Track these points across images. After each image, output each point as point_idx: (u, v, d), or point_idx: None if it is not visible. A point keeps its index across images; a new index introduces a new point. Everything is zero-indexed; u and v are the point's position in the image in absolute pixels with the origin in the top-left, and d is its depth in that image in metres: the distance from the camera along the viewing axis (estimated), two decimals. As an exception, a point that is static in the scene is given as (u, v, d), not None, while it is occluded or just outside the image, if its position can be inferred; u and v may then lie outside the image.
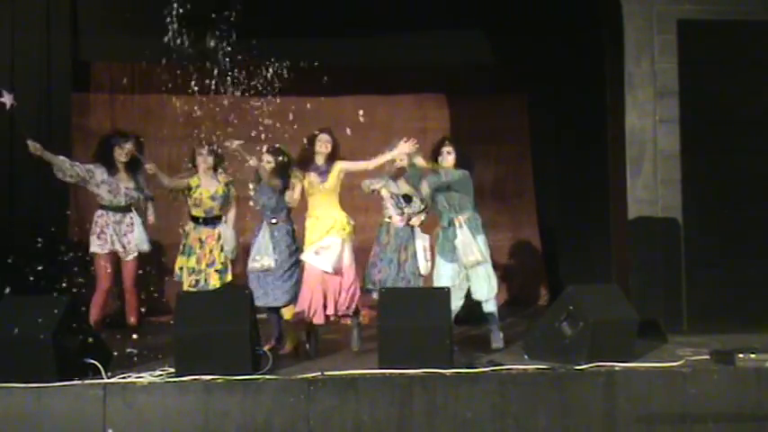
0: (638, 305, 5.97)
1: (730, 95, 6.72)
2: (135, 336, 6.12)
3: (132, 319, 6.28)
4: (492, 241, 9.44)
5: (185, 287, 6.09)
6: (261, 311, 6.18)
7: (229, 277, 6.21)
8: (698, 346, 5.76)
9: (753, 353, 5.18)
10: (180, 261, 6.16)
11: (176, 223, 6.83)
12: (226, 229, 6.25)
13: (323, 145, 5.91)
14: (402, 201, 6.10)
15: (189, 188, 6.21)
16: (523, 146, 9.74)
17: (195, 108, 9.13)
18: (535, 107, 9.63)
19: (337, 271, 5.74)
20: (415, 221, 6.29)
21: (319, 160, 5.94)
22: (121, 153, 6.13)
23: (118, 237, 6.09)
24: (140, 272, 6.35)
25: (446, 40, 8.74)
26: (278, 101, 9.24)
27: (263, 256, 6.07)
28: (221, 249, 6.15)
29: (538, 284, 9.52)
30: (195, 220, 6.23)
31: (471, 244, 5.94)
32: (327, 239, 5.73)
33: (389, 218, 6.24)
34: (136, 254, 6.16)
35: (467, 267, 5.99)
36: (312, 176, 5.91)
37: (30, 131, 7.42)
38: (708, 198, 6.66)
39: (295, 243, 6.18)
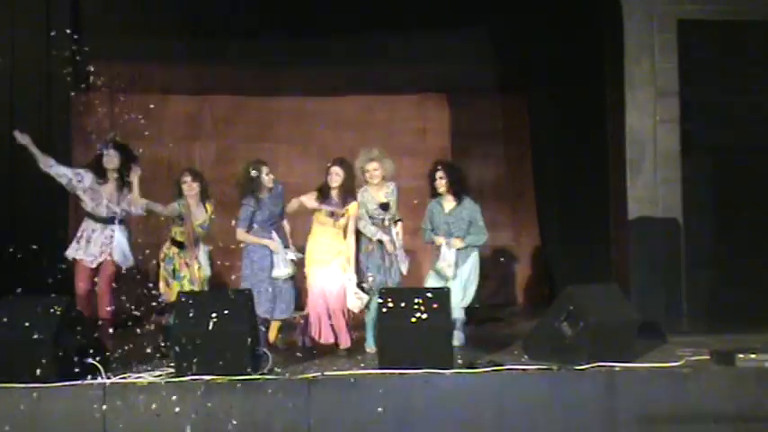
0: (638, 305, 5.98)
1: (730, 95, 6.71)
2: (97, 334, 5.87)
3: (101, 314, 6.01)
4: (492, 241, 9.51)
5: None
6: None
7: None
8: (698, 346, 5.76)
9: (753, 353, 5.19)
10: (176, 286, 6.01)
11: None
12: (203, 256, 6.18)
13: (333, 178, 6.00)
14: (381, 210, 6.10)
15: (180, 217, 6.10)
16: (523, 146, 9.73)
17: (195, 108, 9.18)
18: (535, 107, 9.62)
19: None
20: (395, 230, 6.25)
21: (334, 194, 6.03)
22: (108, 161, 6.04)
23: (89, 245, 6.00)
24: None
25: (446, 40, 8.74)
26: (278, 101, 9.28)
27: (282, 266, 6.05)
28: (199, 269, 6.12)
29: (538, 284, 9.52)
30: (179, 244, 6.13)
31: (450, 265, 6.18)
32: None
33: (378, 241, 6.17)
34: (119, 262, 6.02)
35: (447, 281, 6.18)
36: (326, 211, 6.00)
37: (30, 132, 7.49)
38: (708, 198, 6.66)
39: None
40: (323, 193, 6.03)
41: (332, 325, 5.94)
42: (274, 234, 6.06)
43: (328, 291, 5.95)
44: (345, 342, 5.96)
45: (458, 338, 6.19)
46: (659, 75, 6.69)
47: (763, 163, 6.74)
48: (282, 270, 5.97)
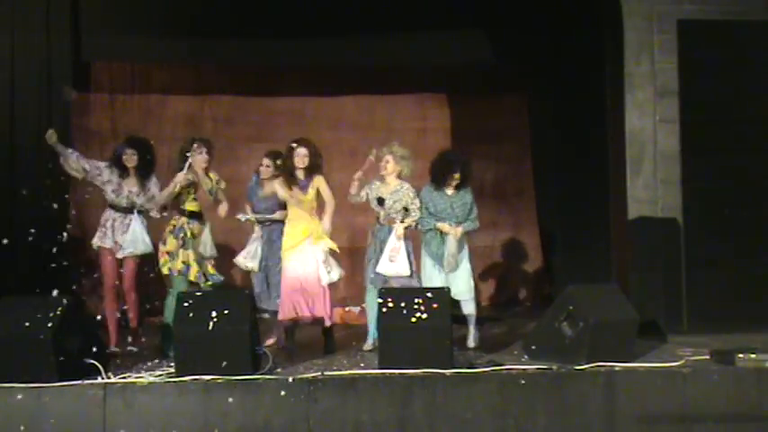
0: (638, 305, 5.97)
1: (730, 95, 6.71)
2: (131, 339, 6.15)
3: (132, 324, 6.29)
4: (492, 241, 9.53)
5: (192, 277, 6.03)
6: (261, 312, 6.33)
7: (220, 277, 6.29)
8: (698, 346, 5.76)
9: (753, 353, 5.18)
10: (183, 255, 6.04)
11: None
12: (208, 232, 6.25)
13: (300, 160, 5.97)
14: (377, 203, 6.12)
15: (191, 184, 6.15)
16: (523, 146, 9.74)
17: (196, 108, 9.19)
18: (535, 107, 9.63)
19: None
20: (399, 227, 6.22)
21: (299, 174, 6.01)
22: (128, 159, 6.21)
23: (114, 234, 6.15)
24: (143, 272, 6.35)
25: (446, 40, 8.74)
26: (278, 101, 9.29)
27: (248, 258, 6.49)
28: (201, 246, 6.18)
29: (538, 284, 9.53)
30: (189, 214, 6.14)
31: (454, 252, 6.11)
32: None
33: (377, 218, 6.22)
34: (130, 252, 6.13)
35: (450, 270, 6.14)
36: (294, 188, 5.98)
37: (30, 132, 7.49)
38: (707, 198, 6.66)
39: None
40: (289, 174, 5.99)
41: (307, 304, 5.88)
42: (257, 228, 6.52)
43: (301, 270, 5.90)
44: (328, 319, 5.96)
45: (472, 339, 6.16)
46: (659, 75, 6.69)
47: (764, 163, 6.74)
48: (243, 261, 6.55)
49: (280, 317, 5.99)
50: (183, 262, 6.01)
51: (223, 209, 6.24)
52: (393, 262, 6.03)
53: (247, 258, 6.57)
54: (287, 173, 6.00)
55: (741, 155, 6.69)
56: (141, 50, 8.40)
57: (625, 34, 6.72)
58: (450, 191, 6.28)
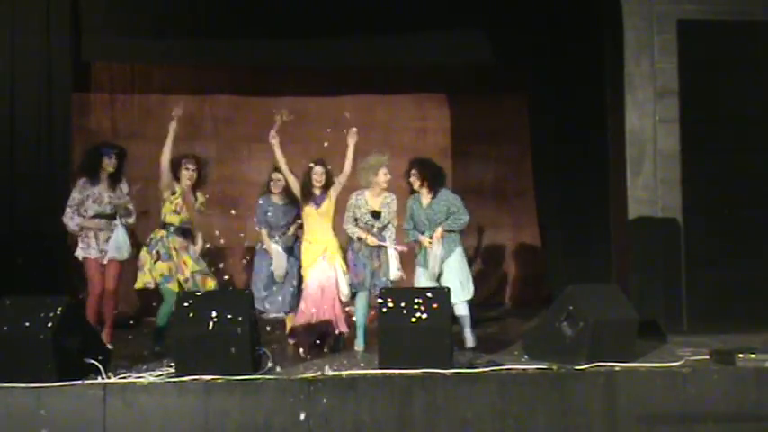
0: (638, 305, 5.98)
1: (730, 95, 6.71)
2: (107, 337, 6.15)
3: (108, 327, 6.23)
4: (492, 241, 9.53)
5: (176, 288, 5.99)
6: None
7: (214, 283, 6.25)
8: (698, 346, 5.76)
9: (753, 353, 5.19)
10: (161, 267, 6.00)
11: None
12: (198, 242, 6.27)
13: (318, 179, 6.21)
14: (371, 217, 6.15)
15: (173, 192, 6.14)
16: (523, 146, 9.72)
17: (196, 108, 9.19)
18: (535, 107, 9.62)
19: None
20: (387, 235, 6.26)
21: (316, 192, 6.24)
22: (109, 164, 6.22)
23: (98, 243, 6.17)
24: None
25: (446, 40, 8.73)
26: (278, 101, 9.28)
27: (277, 269, 6.48)
28: (193, 259, 6.15)
29: (538, 284, 9.52)
30: (167, 227, 6.11)
31: (436, 258, 6.17)
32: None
33: (362, 238, 6.21)
34: (113, 257, 6.16)
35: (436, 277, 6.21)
36: (309, 205, 6.20)
37: (30, 132, 7.50)
38: (707, 198, 6.66)
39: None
40: (307, 193, 6.21)
41: (326, 319, 6.04)
42: (276, 240, 6.61)
43: (323, 285, 6.09)
44: (343, 328, 6.12)
45: (469, 340, 6.19)
46: (659, 75, 6.69)
47: (763, 163, 6.74)
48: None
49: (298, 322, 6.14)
50: (161, 274, 5.98)
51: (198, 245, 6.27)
52: (398, 269, 6.19)
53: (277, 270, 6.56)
54: (306, 191, 6.22)
55: (741, 155, 6.69)
56: (141, 50, 8.40)
57: (625, 34, 6.73)
58: (425, 199, 6.34)
